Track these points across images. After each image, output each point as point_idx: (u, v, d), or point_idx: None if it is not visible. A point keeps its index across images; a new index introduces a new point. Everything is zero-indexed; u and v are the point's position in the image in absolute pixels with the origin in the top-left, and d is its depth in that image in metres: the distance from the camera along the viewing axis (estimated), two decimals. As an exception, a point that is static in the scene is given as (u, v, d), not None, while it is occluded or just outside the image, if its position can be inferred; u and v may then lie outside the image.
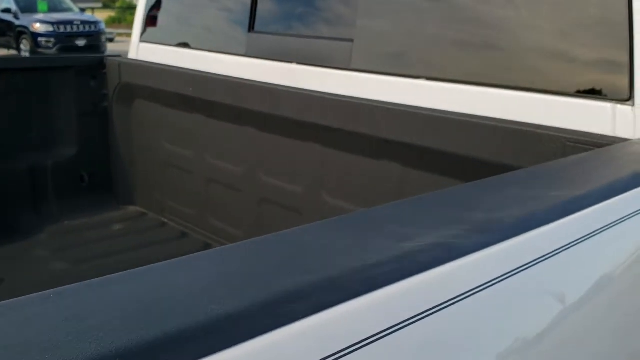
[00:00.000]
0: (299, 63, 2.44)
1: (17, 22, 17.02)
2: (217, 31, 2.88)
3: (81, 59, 3.35)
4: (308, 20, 2.48)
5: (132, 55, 3.30)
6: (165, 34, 3.13)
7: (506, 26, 1.86)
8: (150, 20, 3.19)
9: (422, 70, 2.05)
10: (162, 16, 3.16)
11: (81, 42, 16.70)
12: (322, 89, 2.31)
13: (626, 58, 1.64)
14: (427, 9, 2.05)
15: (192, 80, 2.76)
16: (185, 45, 3.00)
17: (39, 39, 16.64)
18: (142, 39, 3.25)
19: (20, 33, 16.97)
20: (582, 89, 1.71)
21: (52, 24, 16.70)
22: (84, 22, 17.05)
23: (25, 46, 16.97)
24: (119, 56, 3.33)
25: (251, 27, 2.64)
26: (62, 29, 16.68)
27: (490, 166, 1.77)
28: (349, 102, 2.13)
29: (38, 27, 16.67)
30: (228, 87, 2.60)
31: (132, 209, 3.39)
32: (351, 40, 2.24)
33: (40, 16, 17.08)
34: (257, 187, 2.65)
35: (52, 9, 17.92)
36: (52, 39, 16.62)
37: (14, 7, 17.31)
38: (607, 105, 1.66)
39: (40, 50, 16.59)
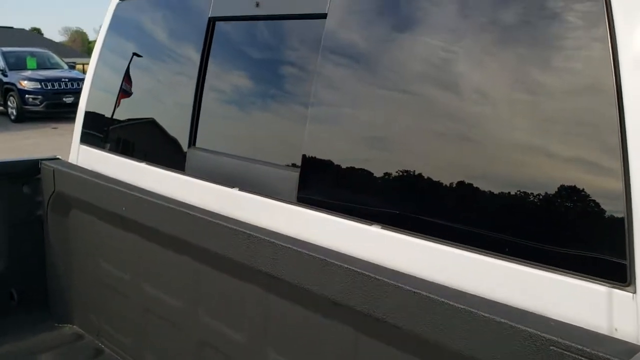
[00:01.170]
0: (241, 189, 2.10)
1: (4, 79, 16.85)
2: (158, 142, 2.55)
3: (13, 164, 3.01)
4: (253, 141, 2.14)
5: (72, 158, 2.96)
6: (106, 138, 2.80)
7: (471, 168, 1.53)
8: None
9: (376, 214, 1.70)
10: (104, 119, 2.83)
11: (69, 99, 16.46)
12: (265, 222, 1.96)
13: (622, 224, 1.30)
14: (384, 142, 1.72)
15: (125, 199, 2.41)
16: (125, 153, 2.67)
17: (27, 96, 16.45)
18: (82, 142, 2.92)
19: (8, 90, 16.78)
20: (571, 262, 1.36)
21: (40, 81, 16.54)
22: (71, 79, 16.87)
23: (12, 103, 16.75)
24: (56, 158, 2.99)
25: (192, 142, 2.31)
26: (49, 86, 16.51)
27: (454, 354, 1.41)
28: (294, 250, 1.77)
29: (25, 84, 16.50)
30: (164, 213, 2.24)
31: (67, 329, 2.99)
32: (297, 168, 1.90)
33: (27, 73, 16.92)
34: (196, 326, 2.27)
35: (41, 65, 17.79)
36: (40, 96, 16.44)
37: (2, 65, 17.17)
38: (601, 289, 1.31)
39: (27, 107, 16.39)
